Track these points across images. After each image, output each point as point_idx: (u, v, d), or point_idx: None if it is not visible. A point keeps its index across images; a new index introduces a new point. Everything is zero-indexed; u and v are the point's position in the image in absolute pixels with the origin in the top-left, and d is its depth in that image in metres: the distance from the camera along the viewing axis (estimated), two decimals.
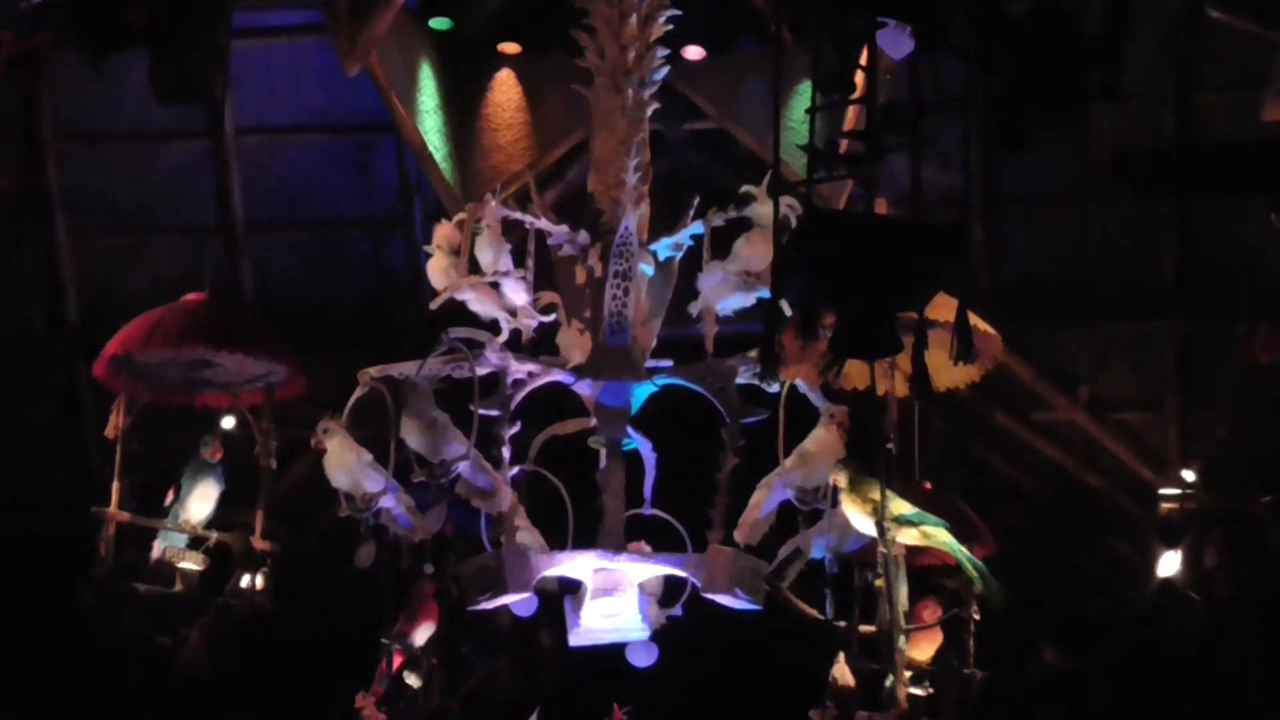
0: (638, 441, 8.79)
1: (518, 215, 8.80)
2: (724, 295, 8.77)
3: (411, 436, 8.42)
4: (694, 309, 8.85)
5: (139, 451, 11.54)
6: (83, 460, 13.14)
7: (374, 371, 8.62)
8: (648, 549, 8.54)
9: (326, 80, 12.63)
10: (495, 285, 8.81)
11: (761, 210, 8.62)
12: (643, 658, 8.63)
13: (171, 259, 12.71)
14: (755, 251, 8.66)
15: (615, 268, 8.67)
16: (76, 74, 12.06)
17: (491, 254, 8.77)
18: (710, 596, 8.38)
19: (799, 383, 8.49)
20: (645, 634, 8.53)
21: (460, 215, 8.92)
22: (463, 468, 8.37)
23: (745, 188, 8.76)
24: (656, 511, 8.84)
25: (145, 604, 10.83)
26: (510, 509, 8.49)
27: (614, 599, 8.37)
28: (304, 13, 12.24)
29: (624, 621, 8.46)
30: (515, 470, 8.58)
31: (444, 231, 8.92)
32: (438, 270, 8.88)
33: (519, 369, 8.60)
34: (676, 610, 8.69)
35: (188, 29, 8.63)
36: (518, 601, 8.45)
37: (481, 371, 8.49)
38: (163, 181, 13.07)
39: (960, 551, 8.67)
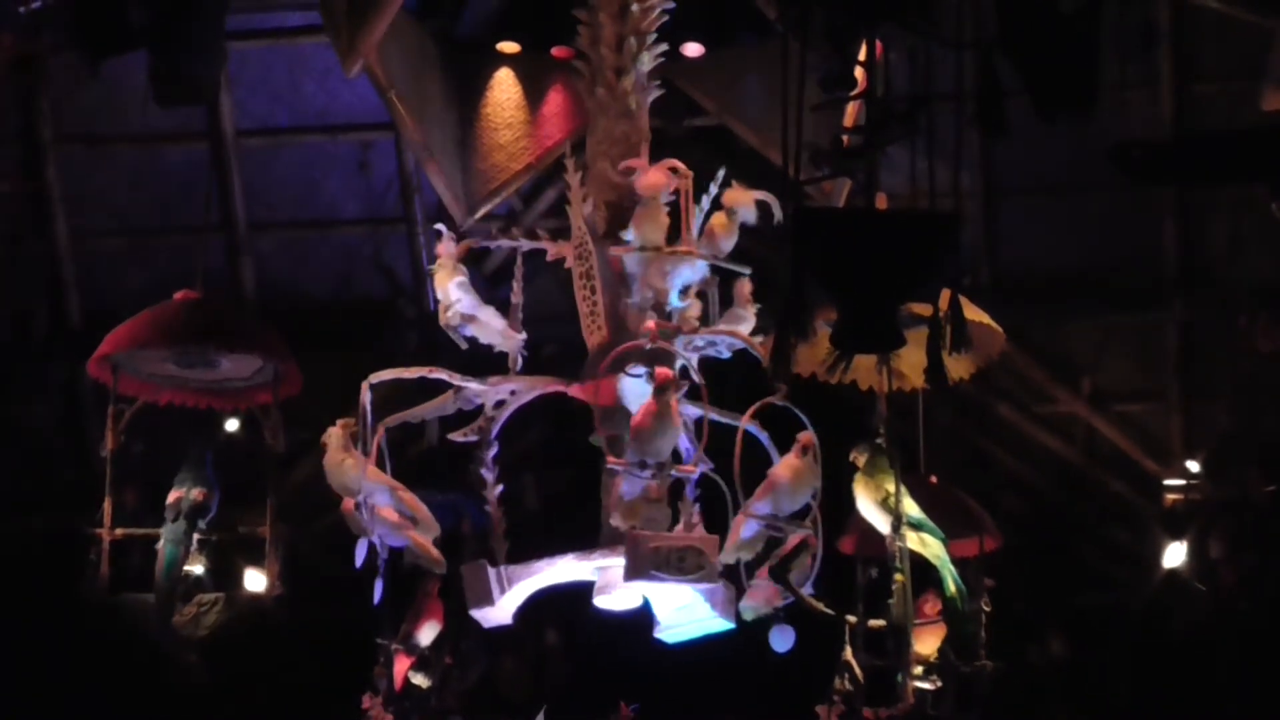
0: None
1: (493, 243, 8.85)
2: (661, 274, 8.66)
3: (332, 481, 8.49)
4: (635, 297, 8.76)
5: (144, 453, 11.61)
6: (84, 461, 13.13)
7: (374, 380, 8.62)
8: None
9: (326, 81, 12.64)
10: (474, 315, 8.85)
11: (641, 182, 8.60)
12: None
13: (172, 260, 12.69)
14: (642, 226, 8.61)
15: (578, 268, 8.70)
16: (77, 76, 12.06)
17: (454, 288, 8.79)
18: (632, 582, 8.27)
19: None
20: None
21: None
22: (382, 500, 8.45)
23: (625, 163, 8.74)
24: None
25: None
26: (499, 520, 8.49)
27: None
28: (303, 14, 12.25)
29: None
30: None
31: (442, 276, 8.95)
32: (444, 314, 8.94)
33: (499, 391, 8.58)
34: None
35: (186, 32, 8.65)
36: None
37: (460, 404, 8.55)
38: (163, 183, 13.07)
39: (948, 569, 8.68)
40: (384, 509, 8.51)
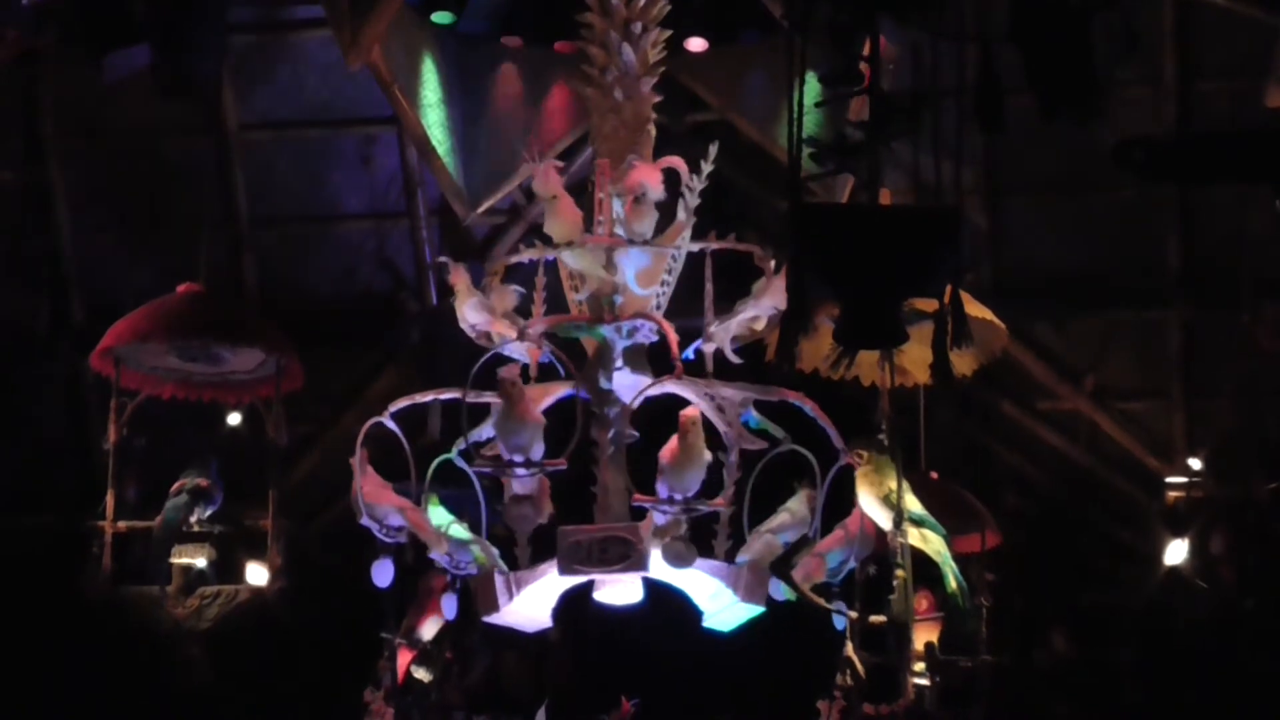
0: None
1: (526, 258, 8.82)
2: (609, 266, 8.58)
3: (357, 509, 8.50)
4: (585, 293, 8.72)
5: (146, 447, 11.63)
6: (87, 457, 13.15)
7: (394, 408, 8.59)
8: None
9: (329, 75, 12.63)
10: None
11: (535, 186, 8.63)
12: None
13: (175, 255, 12.69)
14: (550, 224, 8.59)
15: (564, 269, 8.69)
16: (79, 70, 12.06)
17: (470, 312, 8.78)
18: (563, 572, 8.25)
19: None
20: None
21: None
22: (395, 522, 8.44)
23: (526, 167, 8.76)
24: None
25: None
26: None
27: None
28: (306, 8, 12.25)
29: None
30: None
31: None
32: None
33: None
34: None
35: (188, 25, 8.66)
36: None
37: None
38: (165, 178, 13.07)
39: (950, 566, 8.68)
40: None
